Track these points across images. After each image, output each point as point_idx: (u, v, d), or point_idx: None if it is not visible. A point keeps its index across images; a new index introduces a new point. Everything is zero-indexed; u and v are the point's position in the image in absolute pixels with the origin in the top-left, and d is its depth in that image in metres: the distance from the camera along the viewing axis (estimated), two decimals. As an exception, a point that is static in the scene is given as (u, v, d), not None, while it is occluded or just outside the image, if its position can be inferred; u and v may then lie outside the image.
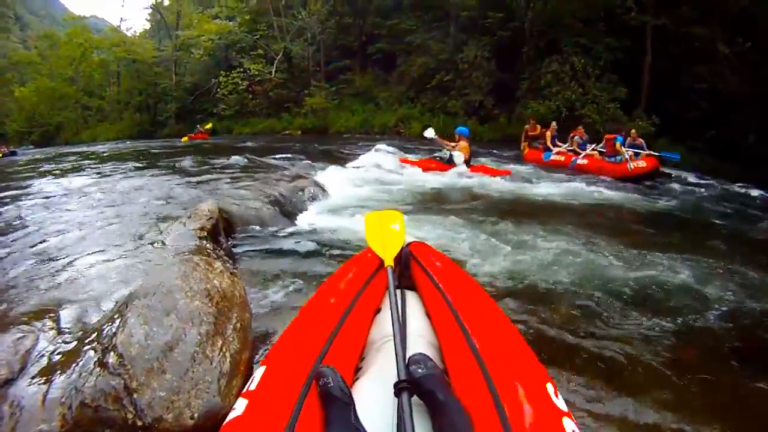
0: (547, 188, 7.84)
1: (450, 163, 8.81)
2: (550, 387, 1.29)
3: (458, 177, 8.33)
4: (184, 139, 23.71)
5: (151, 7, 39.25)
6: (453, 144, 9.02)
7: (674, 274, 3.82)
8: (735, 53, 13.94)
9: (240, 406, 1.27)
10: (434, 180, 8.11)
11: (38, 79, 39.78)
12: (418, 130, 19.26)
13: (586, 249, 4.42)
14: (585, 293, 3.41)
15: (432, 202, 6.39)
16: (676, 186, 9.32)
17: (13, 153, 22.65)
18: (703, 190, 9.03)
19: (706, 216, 6.73)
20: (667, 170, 10.70)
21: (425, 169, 8.95)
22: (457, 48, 20.95)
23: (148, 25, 49.80)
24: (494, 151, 13.67)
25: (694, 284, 3.64)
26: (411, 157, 10.47)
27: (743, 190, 9.27)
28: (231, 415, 1.26)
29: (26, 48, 53.34)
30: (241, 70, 27.54)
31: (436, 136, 9.31)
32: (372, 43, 26.73)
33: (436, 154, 9.43)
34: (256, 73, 27.25)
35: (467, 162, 8.81)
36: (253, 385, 1.36)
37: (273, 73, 27.38)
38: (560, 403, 1.24)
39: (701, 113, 14.66)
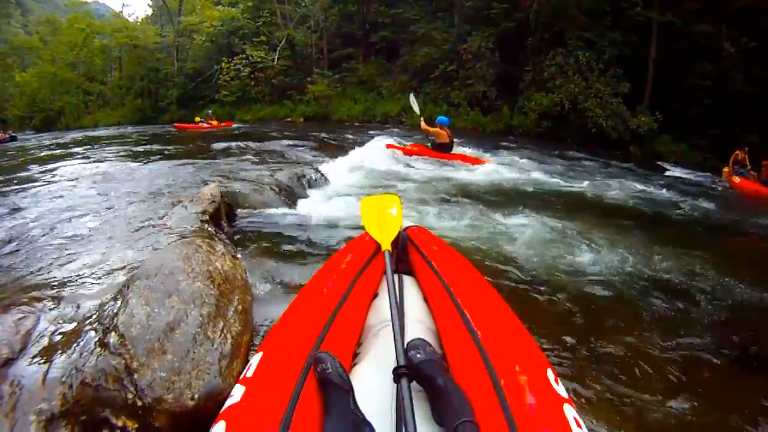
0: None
1: (435, 149, 9.23)
2: (550, 373, 1.28)
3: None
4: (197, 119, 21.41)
5: (153, -8, 39.06)
6: (432, 129, 9.29)
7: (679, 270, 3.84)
8: (740, 51, 13.91)
9: (237, 392, 1.26)
10: (433, 168, 8.27)
11: (39, 64, 39.63)
12: (419, 120, 19.28)
13: (590, 241, 4.45)
14: (588, 282, 3.43)
15: (431, 190, 6.40)
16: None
17: (13, 138, 22.51)
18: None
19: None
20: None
21: (408, 153, 9.41)
22: (460, 38, 20.86)
23: (150, 11, 49.56)
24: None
25: (708, 283, 3.66)
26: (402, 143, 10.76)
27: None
28: (228, 402, 1.25)
29: (27, 33, 53.05)
30: (244, 56, 27.32)
31: (417, 110, 9.93)
32: (375, 32, 26.62)
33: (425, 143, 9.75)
34: (259, 59, 27.06)
35: (448, 148, 9.18)
36: (250, 371, 1.34)
37: (276, 60, 27.23)
38: (561, 390, 1.23)
39: (704, 111, 14.66)
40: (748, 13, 14.04)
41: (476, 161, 9.04)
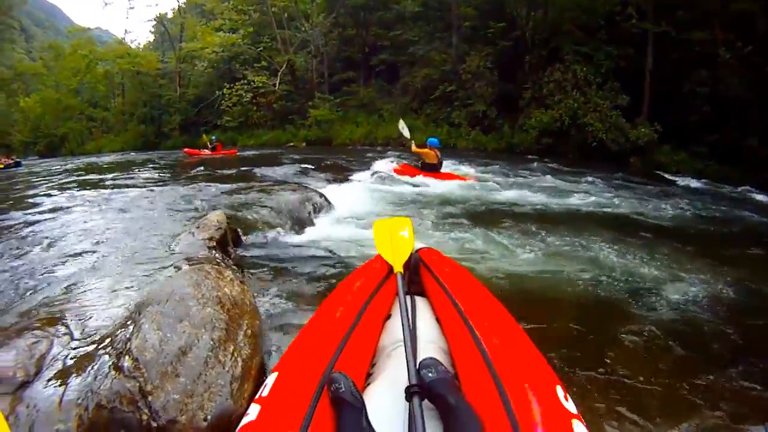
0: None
1: (424, 169, 9.62)
2: (559, 390, 1.30)
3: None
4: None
5: (155, 20, 39.47)
6: (422, 150, 9.64)
7: (683, 282, 3.85)
8: (735, 56, 13.94)
9: (253, 411, 1.29)
10: (430, 188, 8.48)
11: (43, 90, 40.42)
12: (421, 141, 19.42)
13: (599, 253, 4.49)
14: (596, 297, 3.44)
15: (437, 210, 6.45)
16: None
17: (18, 164, 22.62)
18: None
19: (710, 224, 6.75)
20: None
21: (400, 174, 9.87)
22: (459, 58, 21.07)
23: (152, 38, 50.08)
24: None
25: (713, 294, 3.64)
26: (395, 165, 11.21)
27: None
28: (244, 421, 1.28)
29: (31, 59, 53.83)
30: (245, 82, 27.59)
31: (407, 135, 10.23)
32: (375, 55, 26.92)
33: (414, 162, 10.24)
34: (260, 85, 27.32)
35: (437, 168, 9.58)
36: (265, 391, 1.37)
37: (277, 85, 27.48)
38: (570, 406, 1.26)
39: (703, 117, 14.61)
40: (742, 18, 14.06)
41: (462, 178, 9.47)
